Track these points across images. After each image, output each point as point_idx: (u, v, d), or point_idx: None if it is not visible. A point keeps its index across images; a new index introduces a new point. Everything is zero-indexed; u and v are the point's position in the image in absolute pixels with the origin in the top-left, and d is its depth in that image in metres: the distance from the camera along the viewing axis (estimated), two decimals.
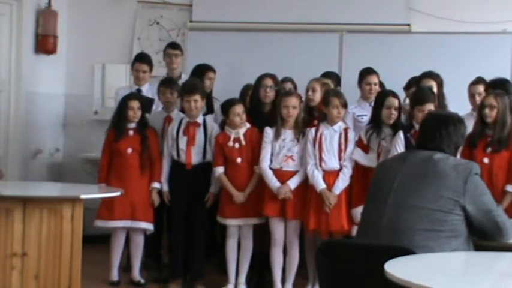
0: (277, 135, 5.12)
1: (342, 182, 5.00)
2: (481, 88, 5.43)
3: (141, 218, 5.35)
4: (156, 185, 5.39)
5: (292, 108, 5.10)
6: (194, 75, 5.81)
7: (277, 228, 5.13)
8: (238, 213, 5.18)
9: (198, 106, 5.29)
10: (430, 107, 4.80)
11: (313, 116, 5.36)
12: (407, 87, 5.73)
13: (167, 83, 5.67)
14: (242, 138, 5.22)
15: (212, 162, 5.29)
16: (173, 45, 6.27)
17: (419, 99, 4.86)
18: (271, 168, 5.11)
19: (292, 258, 5.14)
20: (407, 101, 5.36)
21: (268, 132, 5.16)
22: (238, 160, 5.20)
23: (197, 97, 5.26)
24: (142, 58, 6.06)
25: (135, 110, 5.38)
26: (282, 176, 5.09)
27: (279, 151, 5.11)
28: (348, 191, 5.02)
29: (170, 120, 5.54)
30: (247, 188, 5.17)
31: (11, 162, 6.54)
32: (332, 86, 5.59)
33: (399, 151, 4.69)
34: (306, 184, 5.11)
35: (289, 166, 5.11)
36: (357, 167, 5.03)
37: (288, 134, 5.14)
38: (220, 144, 5.23)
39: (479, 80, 5.51)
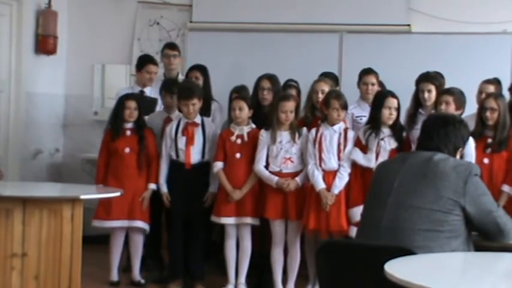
0: (273, 139, 5.11)
1: (340, 181, 5.00)
2: (491, 88, 5.35)
3: (138, 217, 5.34)
4: (152, 186, 5.39)
5: (290, 112, 5.10)
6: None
7: (279, 230, 5.13)
8: (234, 212, 5.17)
9: (195, 109, 5.30)
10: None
11: (316, 115, 5.35)
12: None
13: (168, 87, 5.66)
14: (246, 135, 5.22)
15: (211, 162, 5.28)
16: (171, 46, 6.26)
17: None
18: (270, 172, 5.10)
19: (294, 258, 5.15)
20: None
21: (264, 135, 5.15)
22: (238, 155, 5.19)
23: (195, 101, 5.26)
24: (153, 60, 6.07)
25: (131, 109, 5.38)
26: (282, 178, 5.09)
27: (277, 154, 5.10)
28: (348, 191, 5.02)
29: (169, 121, 5.53)
30: (244, 187, 5.16)
31: (11, 162, 6.54)
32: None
33: None
34: (305, 185, 5.12)
35: (288, 168, 5.10)
36: (356, 167, 5.03)
37: (284, 135, 5.13)
38: (223, 139, 5.23)
39: (492, 80, 5.43)
